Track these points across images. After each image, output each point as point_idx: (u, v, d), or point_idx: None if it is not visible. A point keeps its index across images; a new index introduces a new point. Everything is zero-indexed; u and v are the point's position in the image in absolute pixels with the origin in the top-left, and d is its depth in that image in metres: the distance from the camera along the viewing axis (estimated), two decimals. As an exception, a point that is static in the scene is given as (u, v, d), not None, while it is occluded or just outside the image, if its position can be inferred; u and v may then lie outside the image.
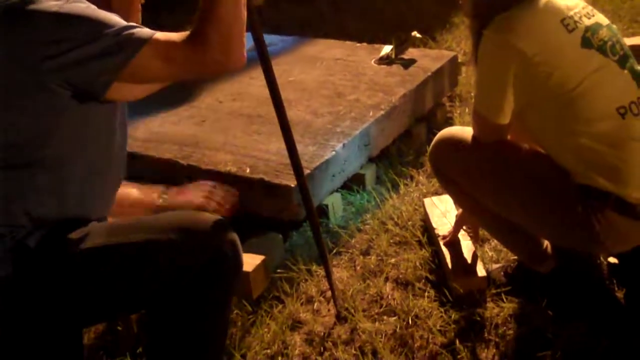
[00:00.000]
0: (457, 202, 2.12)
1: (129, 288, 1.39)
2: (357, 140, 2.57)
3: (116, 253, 1.38)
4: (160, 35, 1.37)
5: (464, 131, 1.87)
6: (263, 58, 1.67)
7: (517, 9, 1.66)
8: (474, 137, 1.81)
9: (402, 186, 2.64)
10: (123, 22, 1.37)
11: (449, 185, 1.95)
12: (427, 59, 3.14)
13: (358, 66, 3.17)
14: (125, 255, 1.38)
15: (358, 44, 3.45)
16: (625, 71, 1.68)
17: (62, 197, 1.43)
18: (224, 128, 2.68)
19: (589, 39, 1.65)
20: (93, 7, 1.36)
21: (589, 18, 1.70)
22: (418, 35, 3.27)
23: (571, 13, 1.67)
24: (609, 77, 1.66)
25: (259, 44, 1.65)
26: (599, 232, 1.68)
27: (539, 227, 1.85)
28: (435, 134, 1.97)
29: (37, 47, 1.31)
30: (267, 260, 2.11)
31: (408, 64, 3.07)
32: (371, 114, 2.68)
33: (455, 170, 1.88)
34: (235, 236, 1.45)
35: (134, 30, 1.36)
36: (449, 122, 3.13)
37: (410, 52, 3.19)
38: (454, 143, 1.87)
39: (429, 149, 1.97)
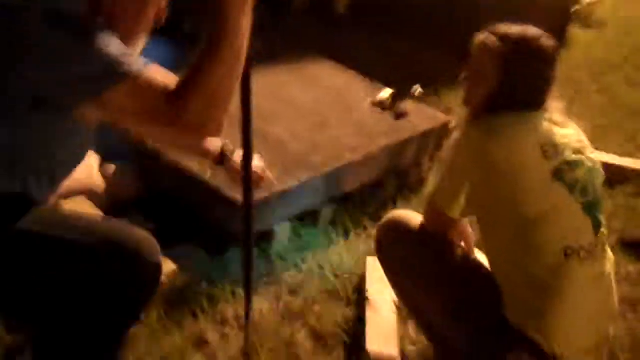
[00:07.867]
0: (394, 290, 2.01)
1: (49, 282, 1.38)
2: (325, 177, 2.55)
3: (45, 244, 1.37)
4: (147, 75, 1.27)
5: (411, 218, 1.86)
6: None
7: (506, 117, 1.65)
8: (421, 224, 1.81)
9: (352, 235, 2.62)
10: (115, 51, 1.27)
11: (389, 272, 1.92)
12: (421, 117, 3.09)
13: (353, 101, 3.14)
14: (52, 249, 1.37)
15: (361, 77, 3.40)
16: (587, 217, 1.63)
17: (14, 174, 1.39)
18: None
19: (562, 174, 1.61)
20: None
21: (576, 154, 1.64)
22: (420, 90, 3.24)
23: (558, 141, 1.63)
24: (567, 215, 1.62)
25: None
26: None
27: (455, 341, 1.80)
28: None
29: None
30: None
31: (400, 116, 3.05)
32: (347, 155, 2.67)
33: (396, 256, 1.86)
34: (160, 260, 1.46)
35: (126, 60, 1.27)
36: (422, 182, 3.11)
37: (407, 105, 3.13)
38: (401, 229, 1.85)
39: (376, 229, 1.94)
